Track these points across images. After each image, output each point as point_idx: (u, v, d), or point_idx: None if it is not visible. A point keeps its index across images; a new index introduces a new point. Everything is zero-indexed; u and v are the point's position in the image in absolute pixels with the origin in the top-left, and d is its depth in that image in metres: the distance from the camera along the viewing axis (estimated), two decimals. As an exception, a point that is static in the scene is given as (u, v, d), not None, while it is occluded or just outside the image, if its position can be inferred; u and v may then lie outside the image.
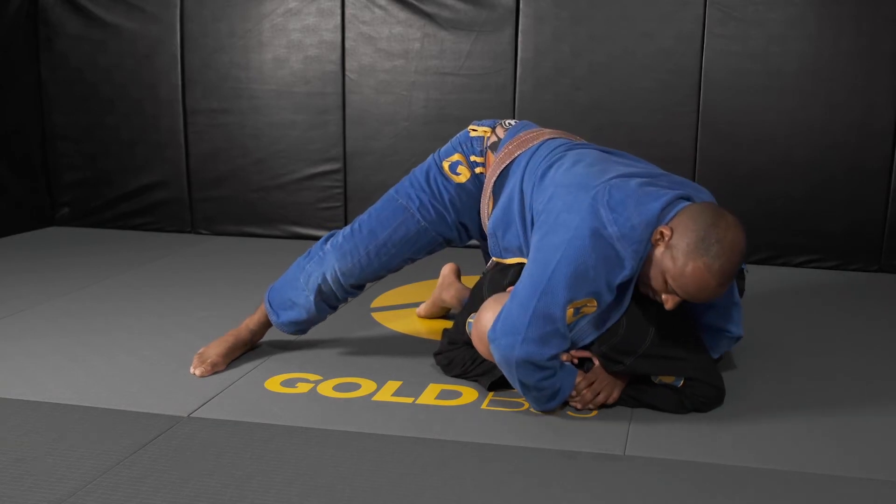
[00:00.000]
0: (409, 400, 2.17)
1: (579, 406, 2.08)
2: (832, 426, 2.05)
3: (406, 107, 4.03)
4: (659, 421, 2.05)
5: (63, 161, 4.39)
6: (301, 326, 2.48)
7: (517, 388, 2.03)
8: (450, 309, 2.87)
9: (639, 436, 1.97)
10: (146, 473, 1.74)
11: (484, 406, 2.14)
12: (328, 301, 2.44)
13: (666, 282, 1.92)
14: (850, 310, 3.15)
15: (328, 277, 2.38)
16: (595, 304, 1.96)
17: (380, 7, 3.98)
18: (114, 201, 4.38)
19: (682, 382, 2.06)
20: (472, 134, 2.39)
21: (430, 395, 2.20)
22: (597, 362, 2.08)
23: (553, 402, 2.05)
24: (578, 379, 2.08)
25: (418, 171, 2.40)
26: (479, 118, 3.85)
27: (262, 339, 2.54)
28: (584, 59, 3.82)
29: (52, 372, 2.32)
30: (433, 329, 2.79)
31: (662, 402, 2.08)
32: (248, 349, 2.50)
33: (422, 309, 2.92)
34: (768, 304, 3.15)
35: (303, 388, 2.25)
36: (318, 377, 2.32)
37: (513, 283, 2.12)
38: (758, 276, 3.46)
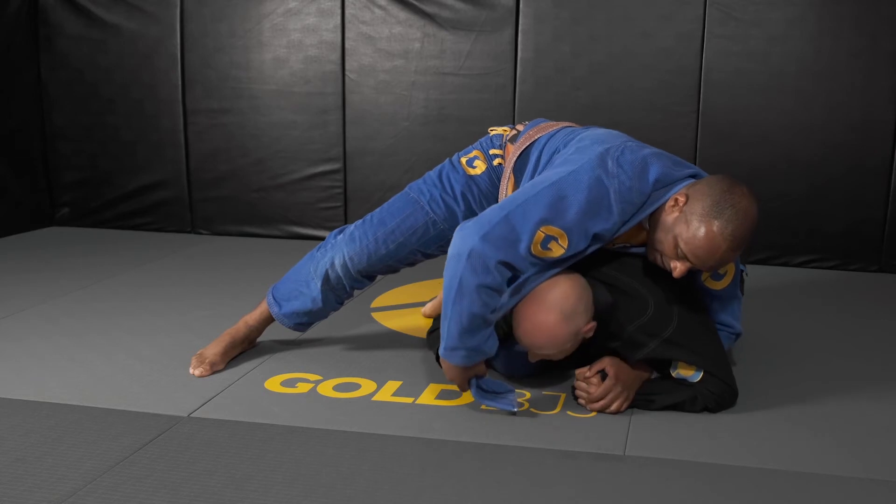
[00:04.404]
0: (409, 400, 2.17)
1: (596, 408, 2.09)
2: (832, 426, 2.05)
3: (406, 107, 4.03)
4: (659, 421, 2.05)
5: (63, 161, 4.39)
6: (303, 319, 2.45)
7: (449, 302, 1.96)
8: None
9: (639, 436, 1.97)
10: (146, 473, 1.74)
11: (484, 406, 2.14)
12: (334, 291, 2.41)
13: (677, 247, 1.96)
14: (850, 310, 3.15)
15: (336, 263, 2.37)
16: (566, 243, 1.96)
17: (380, 7, 3.98)
18: (114, 201, 4.38)
19: (699, 377, 2.06)
20: (492, 133, 2.45)
21: (430, 395, 2.20)
22: (611, 371, 2.07)
23: (474, 338, 1.98)
24: (593, 386, 2.08)
25: (432, 171, 2.44)
26: (479, 118, 3.90)
27: (260, 338, 2.54)
28: (584, 59, 3.82)
29: (52, 372, 2.32)
30: (433, 329, 2.79)
31: (675, 398, 2.09)
32: (247, 347, 2.49)
33: (428, 308, 2.91)
34: (768, 304, 3.15)
35: (303, 388, 2.25)
36: (318, 377, 2.32)
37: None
38: (758, 276, 3.47)
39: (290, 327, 2.48)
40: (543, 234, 1.94)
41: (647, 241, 2.09)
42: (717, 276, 2.19)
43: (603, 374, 2.09)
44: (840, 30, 3.58)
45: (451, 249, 1.97)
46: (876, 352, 2.64)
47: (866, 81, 3.59)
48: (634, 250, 2.15)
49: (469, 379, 2.09)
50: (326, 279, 2.39)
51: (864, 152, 3.65)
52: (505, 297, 2.01)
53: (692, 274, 2.12)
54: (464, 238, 1.94)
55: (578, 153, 2.04)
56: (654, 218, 2.04)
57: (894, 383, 2.36)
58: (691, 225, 1.93)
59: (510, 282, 2.01)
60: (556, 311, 1.97)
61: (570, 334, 1.99)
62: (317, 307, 2.42)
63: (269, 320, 2.49)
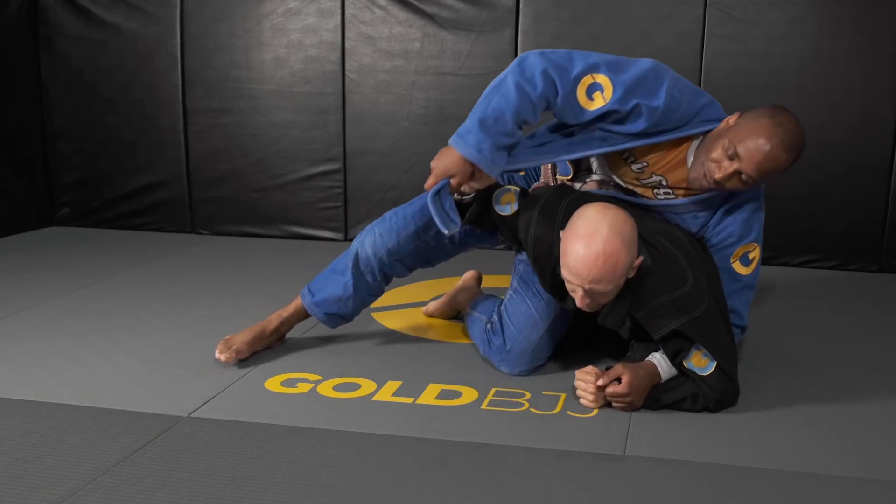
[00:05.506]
0: (409, 400, 2.17)
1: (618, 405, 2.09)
2: (832, 426, 2.05)
3: (406, 107, 4.03)
4: (659, 421, 2.05)
5: (63, 161, 4.39)
6: (333, 308, 2.45)
7: (484, 94, 2.08)
8: (460, 311, 2.85)
9: (639, 436, 1.97)
10: (146, 473, 1.74)
11: (484, 406, 2.14)
12: (364, 276, 2.42)
13: (728, 147, 2.03)
14: (850, 310, 3.15)
15: (367, 242, 2.41)
16: (609, 95, 2.06)
17: (380, 7, 3.98)
18: (114, 201, 4.38)
19: (710, 370, 2.05)
20: None
21: (430, 395, 2.20)
22: (625, 379, 2.05)
23: (489, 134, 2.04)
24: (610, 387, 2.08)
25: None
26: (479, 118, 3.90)
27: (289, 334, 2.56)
28: (584, 59, 3.82)
29: (52, 372, 2.32)
30: (434, 329, 2.79)
31: (677, 395, 2.08)
32: (275, 341, 2.50)
33: (431, 307, 2.89)
34: (768, 304, 3.15)
35: (303, 388, 2.25)
36: (318, 377, 2.33)
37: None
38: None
39: (321, 319, 2.48)
40: (592, 80, 2.05)
41: (688, 174, 2.16)
42: (747, 262, 2.23)
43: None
44: (840, 30, 3.58)
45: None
46: (876, 352, 2.64)
47: (866, 81, 3.59)
48: (664, 196, 2.19)
49: (446, 178, 2.11)
50: (356, 261, 2.41)
51: (864, 152, 3.64)
52: (535, 136, 2.17)
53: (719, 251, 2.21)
54: (524, 54, 2.10)
55: None
56: (703, 143, 2.12)
57: (894, 383, 2.36)
58: (744, 125, 2.04)
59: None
60: (618, 237, 1.94)
61: (628, 263, 1.97)
62: (347, 294, 2.43)
63: (301, 315, 2.50)
